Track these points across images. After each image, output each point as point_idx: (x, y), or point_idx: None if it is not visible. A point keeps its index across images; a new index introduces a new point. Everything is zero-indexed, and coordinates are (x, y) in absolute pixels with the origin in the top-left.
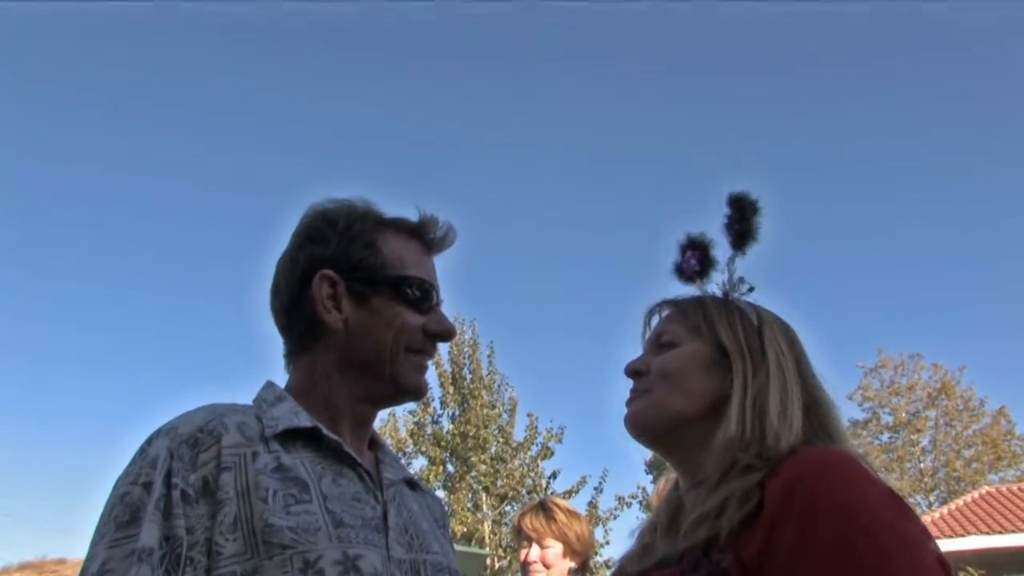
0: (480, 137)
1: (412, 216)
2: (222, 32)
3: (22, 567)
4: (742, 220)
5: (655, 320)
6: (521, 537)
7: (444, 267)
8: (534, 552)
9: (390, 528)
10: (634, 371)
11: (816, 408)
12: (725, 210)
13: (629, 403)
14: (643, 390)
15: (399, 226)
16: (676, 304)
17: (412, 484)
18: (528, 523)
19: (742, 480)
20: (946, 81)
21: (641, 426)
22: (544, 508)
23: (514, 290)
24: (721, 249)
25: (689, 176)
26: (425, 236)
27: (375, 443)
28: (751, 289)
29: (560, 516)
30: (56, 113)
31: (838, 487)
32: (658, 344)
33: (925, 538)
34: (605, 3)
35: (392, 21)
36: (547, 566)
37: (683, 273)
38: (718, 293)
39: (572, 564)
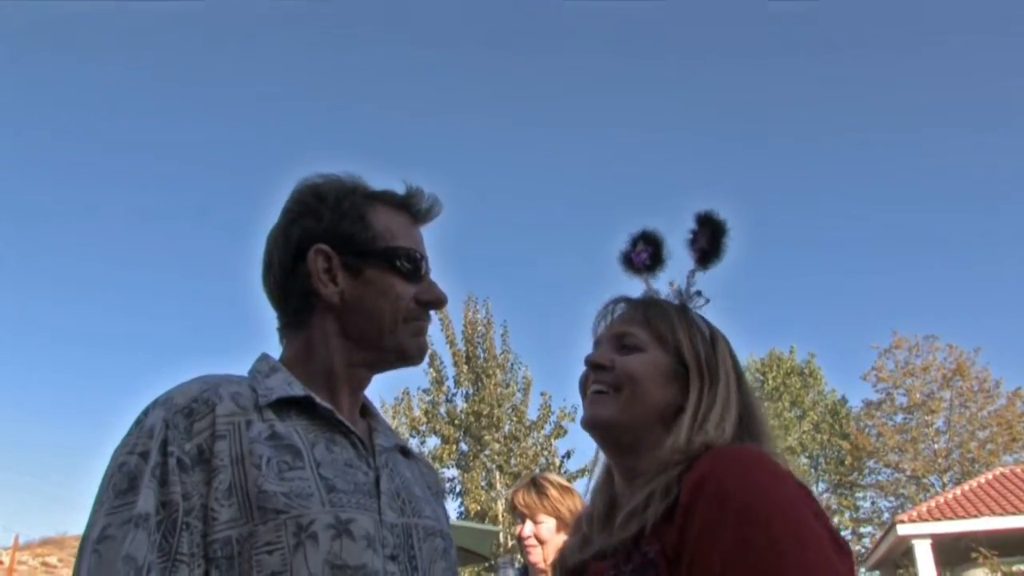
0: (492, 117)
1: (399, 189)
2: (221, 10)
3: (44, 543)
4: (708, 239)
5: (616, 314)
6: (515, 514)
7: (458, 247)
8: (527, 528)
9: (382, 493)
10: (596, 365)
11: (748, 418)
12: (691, 226)
13: (592, 402)
14: (609, 386)
15: (388, 199)
16: (643, 307)
17: (405, 451)
18: (520, 499)
19: (664, 476)
20: (960, 65)
21: (603, 428)
22: (536, 484)
23: (528, 268)
24: (675, 250)
25: (714, 158)
26: (412, 208)
27: (368, 411)
28: (707, 302)
29: (552, 492)
30: (56, 96)
31: (743, 479)
32: (621, 343)
33: (824, 527)
34: None
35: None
36: (541, 541)
37: (632, 264)
38: (669, 294)
39: (565, 537)
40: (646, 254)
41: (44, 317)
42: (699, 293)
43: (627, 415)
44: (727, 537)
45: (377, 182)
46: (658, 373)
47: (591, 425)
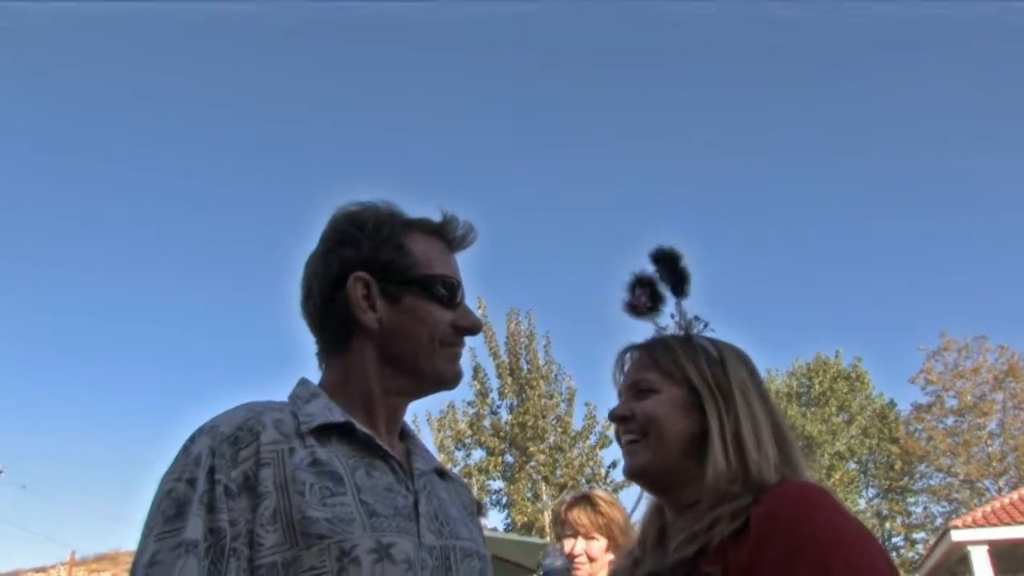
0: (536, 126)
1: (434, 216)
2: (251, 33)
3: (99, 559)
4: (671, 272)
5: (627, 363)
6: (565, 528)
7: (500, 259)
8: (579, 545)
9: (421, 516)
10: (619, 417)
11: (781, 436)
12: (653, 266)
13: (628, 453)
14: (638, 436)
15: (424, 227)
16: (647, 349)
17: (441, 473)
18: (575, 517)
19: (732, 504)
20: (1009, 67)
21: (641, 476)
22: (591, 502)
23: (570, 278)
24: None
25: (764, 166)
26: (448, 235)
27: (406, 434)
28: (706, 325)
29: (604, 508)
30: (98, 116)
31: (816, 516)
32: (637, 391)
33: (886, 561)
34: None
35: (420, 17)
36: (592, 559)
37: (635, 309)
38: (675, 329)
39: (612, 556)
40: (645, 296)
41: (102, 336)
42: (697, 318)
43: (660, 456)
44: (807, 565)
45: (413, 207)
46: (674, 408)
47: (631, 475)
